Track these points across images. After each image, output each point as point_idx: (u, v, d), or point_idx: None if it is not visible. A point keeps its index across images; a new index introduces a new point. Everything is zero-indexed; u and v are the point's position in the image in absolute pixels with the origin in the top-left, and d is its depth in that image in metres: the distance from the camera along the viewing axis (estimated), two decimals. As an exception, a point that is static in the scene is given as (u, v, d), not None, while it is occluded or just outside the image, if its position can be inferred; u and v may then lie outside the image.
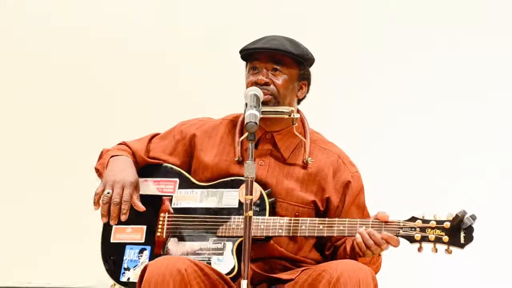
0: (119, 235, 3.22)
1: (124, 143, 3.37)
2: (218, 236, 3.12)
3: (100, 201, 3.13)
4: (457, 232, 2.94)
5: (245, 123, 2.89)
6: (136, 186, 3.19)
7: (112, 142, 3.40)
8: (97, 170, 3.31)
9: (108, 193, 3.12)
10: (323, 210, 3.22)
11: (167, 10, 5.12)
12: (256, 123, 2.88)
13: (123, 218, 3.12)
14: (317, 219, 3.09)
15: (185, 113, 3.49)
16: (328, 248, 3.26)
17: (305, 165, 3.22)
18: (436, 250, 2.96)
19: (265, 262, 3.17)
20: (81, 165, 3.98)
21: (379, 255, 3.12)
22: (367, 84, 4.94)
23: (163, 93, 5.07)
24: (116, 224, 3.18)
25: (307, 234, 3.07)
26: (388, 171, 4.78)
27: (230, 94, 3.56)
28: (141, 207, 3.16)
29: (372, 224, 3.02)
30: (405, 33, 4.94)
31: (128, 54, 5.09)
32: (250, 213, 2.82)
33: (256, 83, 3.16)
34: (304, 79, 3.27)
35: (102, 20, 5.12)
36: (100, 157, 3.34)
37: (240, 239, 3.07)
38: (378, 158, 4.73)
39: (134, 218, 3.20)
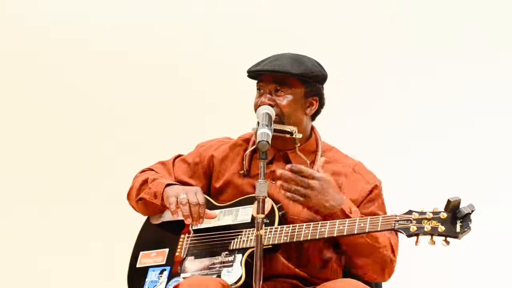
0: (144, 259, 3.31)
1: (153, 171, 3.39)
2: (230, 250, 3.15)
3: (179, 204, 3.11)
4: (454, 221, 2.82)
5: (257, 142, 2.92)
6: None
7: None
8: (141, 199, 3.31)
9: (184, 197, 3.12)
10: None
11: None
12: (268, 142, 2.90)
13: (201, 221, 3.13)
14: (319, 222, 3.05)
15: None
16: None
17: None
18: (434, 243, 2.83)
19: (276, 281, 3.16)
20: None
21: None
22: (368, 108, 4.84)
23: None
24: (142, 250, 3.29)
25: (309, 238, 3.04)
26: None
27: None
28: (213, 215, 3.18)
29: (370, 220, 2.96)
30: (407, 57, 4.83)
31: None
32: (262, 231, 2.85)
33: (260, 106, 3.16)
34: (313, 95, 3.22)
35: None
36: (142, 185, 3.31)
37: (249, 250, 3.08)
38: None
39: (159, 242, 3.30)
